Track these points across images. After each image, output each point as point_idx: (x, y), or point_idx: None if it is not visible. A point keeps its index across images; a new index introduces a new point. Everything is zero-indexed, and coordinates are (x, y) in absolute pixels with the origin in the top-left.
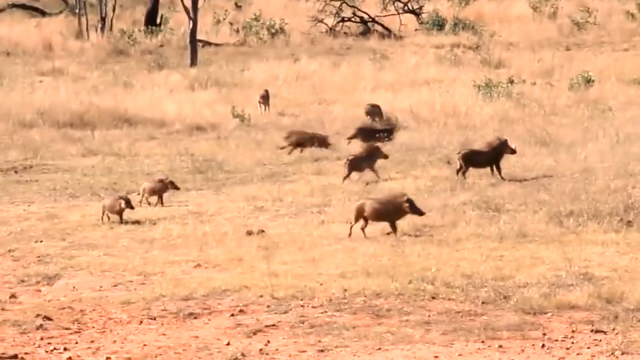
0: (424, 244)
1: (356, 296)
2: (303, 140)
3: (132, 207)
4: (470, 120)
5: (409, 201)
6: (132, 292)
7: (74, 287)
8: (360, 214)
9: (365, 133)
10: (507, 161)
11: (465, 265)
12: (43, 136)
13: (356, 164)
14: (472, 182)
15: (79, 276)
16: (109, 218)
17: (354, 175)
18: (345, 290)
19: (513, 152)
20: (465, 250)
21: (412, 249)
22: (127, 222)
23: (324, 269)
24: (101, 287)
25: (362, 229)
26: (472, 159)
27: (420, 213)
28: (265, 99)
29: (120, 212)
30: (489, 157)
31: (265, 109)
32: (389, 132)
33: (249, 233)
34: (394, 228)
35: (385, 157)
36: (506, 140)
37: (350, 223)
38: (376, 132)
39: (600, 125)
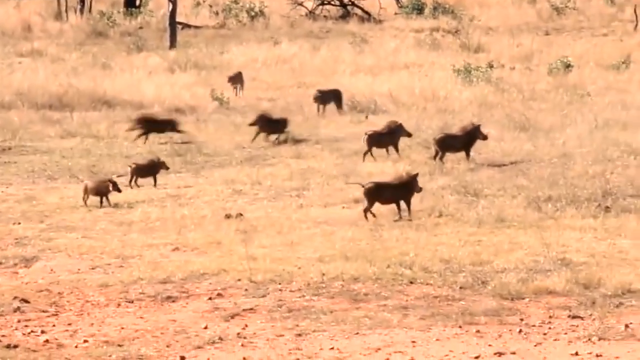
0: (402, 228)
1: (334, 280)
2: (154, 126)
3: (119, 190)
4: (450, 105)
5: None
6: (109, 275)
7: (51, 270)
8: (372, 197)
9: (265, 121)
10: (485, 146)
11: (444, 250)
12: (22, 118)
13: (376, 140)
14: (451, 166)
15: (57, 259)
16: (85, 201)
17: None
18: (324, 274)
19: (485, 138)
20: (443, 235)
21: (390, 234)
22: (105, 205)
23: (302, 253)
24: (79, 269)
25: (368, 212)
26: (447, 144)
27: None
28: (235, 80)
29: (106, 194)
30: (463, 141)
31: (238, 92)
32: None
33: (228, 216)
34: (409, 208)
35: (409, 134)
36: (479, 125)
37: (364, 208)
38: (276, 121)
39: (578, 111)
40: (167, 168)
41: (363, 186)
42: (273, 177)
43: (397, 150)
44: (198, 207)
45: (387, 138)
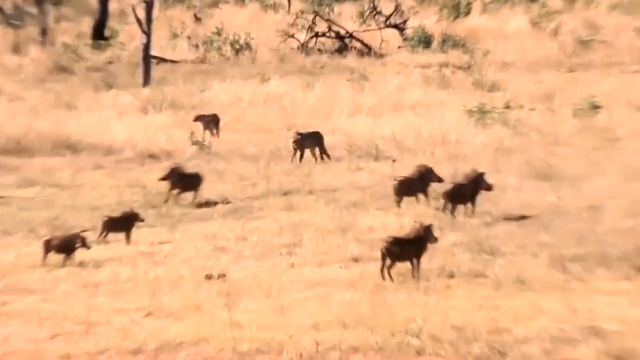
0: (408, 290)
1: (330, 351)
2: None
3: (88, 247)
4: (461, 150)
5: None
6: (73, 345)
7: (6, 339)
8: (387, 254)
9: (177, 175)
10: (502, 197)
11: (456, 315)
12: None
13: (407, 188)
14: (463, 220)
15: (12, 326)
16: (44, 259)
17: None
18: (318, 344)
19: (488, 188)
20: (455, 299)
21: (395, 297)
22: (69, 264)
23: (293, 319)
24: (37, 338)
25: (387, 270)
26: (458, 195)
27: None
28: (209, 123)
29: (72, 251)
30: (471, 191)
31: (212, 136)
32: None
33: (208, 277)
34: (418, 267)
35: (440, 180)
36: (483, 173)
37: (380, 265)
38: (190, 176)
39: (608, 157)
40: (142, 220)
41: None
42: (260, 231)
43: (426, 197)
44: (174, 266)
45: (418, 184)
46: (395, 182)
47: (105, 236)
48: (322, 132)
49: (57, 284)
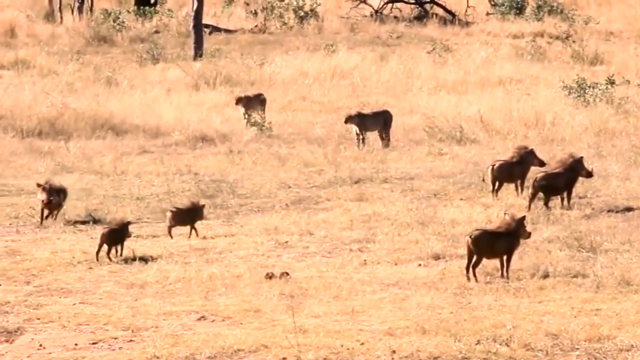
0: (496, 293)
1: (408, 359)
2: None
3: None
4: (558, 132)
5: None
6: (116, 352)
7: (40, 345)
8: (473, 250)
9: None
10: (606, 186)
11: (551, 321)
12: (2, 148)
13: (507, 172)
14: (560, 213)
15: (48, 331)
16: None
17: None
18: (394, 351)
19: (588, 175)
20: (550, 302)
21: (481, 300)
22: (115, 260)
23: (365, 324)
24: (76, 345)
25: (472, 269)
26: (551, 185)
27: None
28: (253, 104)
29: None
30: (566, 179)
31: (253, 118)
32: None
33: (269, 276)
34: (508, 266)
35: (542, 163)
36: (581, 158)
37: (467, 260)
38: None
39: None
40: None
41: (468, 238)
42: (328, 225)
43: (522, 185)
44: (231, 264)
45: (518, 169)
46: (492, 166)
47: (171, 229)
48: (396, 112)
49: (98, 284)
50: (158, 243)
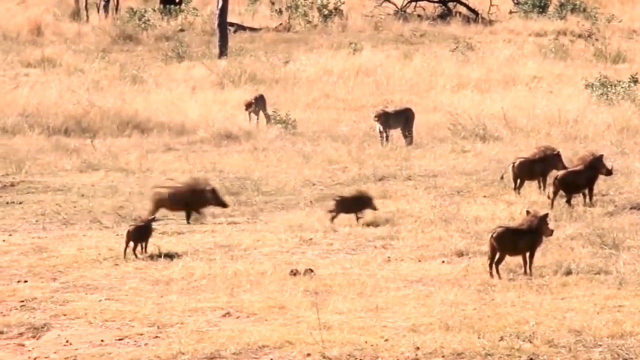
0: (519, 289)
1: (431, 356)
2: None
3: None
4: (581, 130)
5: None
6: (142, 348)
7: (67, 341)
8: (496, 247)
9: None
10: (629, 183)
11: (574, 317)
12: (29, 145)
13: (527, 170)
14: (583, 209)
15: (74, 327)
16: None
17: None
18: (418, 348)
19: (609, 172)
20: (573, 299)
21: (504, 296)
22: (141, 257)
23: (390, 320)
24: (102, 341)
25: (495, 266)
26: (571, 182)
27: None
28: (252, 104)
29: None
30: (587, 177)
31: (257, 119)
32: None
33: (294, 273)
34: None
35: (564, 167)
36: (601, 156)
37: (488, 259)
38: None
39: None
40: (374, 208)
41: (491, 235)
42: (352, 222)
43: (544, 182)
44: (255, 260)
45: (539, 166)
46: (513, 164)
47: (334, 218)
48: (419, 110)
49: (124, 281)
50: (183, 240)
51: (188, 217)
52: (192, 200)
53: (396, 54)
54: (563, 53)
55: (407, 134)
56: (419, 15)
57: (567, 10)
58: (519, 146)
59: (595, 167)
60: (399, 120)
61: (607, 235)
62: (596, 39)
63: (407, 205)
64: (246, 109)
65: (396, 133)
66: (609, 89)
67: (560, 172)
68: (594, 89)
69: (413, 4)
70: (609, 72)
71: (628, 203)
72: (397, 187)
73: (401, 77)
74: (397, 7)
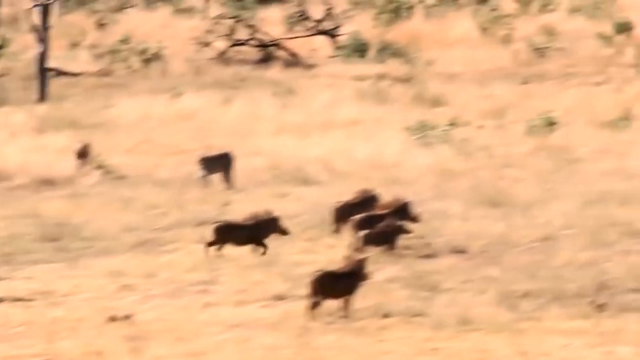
0: (338, 332)
1: None
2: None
3: None
4: (401, 174)
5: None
6: None
7: None
8: (317, 289)
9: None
10: (446, 226)
11: None
12: None
13: (347, 214)
14: (401, 253)
15: None
16: None
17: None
18: None
19: (415, 219)
20: (391, 342)
21: (323, 340)
22: None
23: None
24: None
25: (314, 309)
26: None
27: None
28: (86, 154)
29: None
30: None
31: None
32: None
33: (112, 319)
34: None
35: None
36: (407, 202)
37: (310, 301)
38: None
39: (566, 180)
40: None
41: (311, 279)
42: (172, 267)
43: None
44: (74, 307)
45: (359, 211)
46: (335, 207)
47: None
48: (239, 154)
49: None
50: (1, 286)
51: None
52: None
53: (217, 99)
54: (382, 97)
55: (226, 178)
56: (240, 60)
57: (386, 55)
58: (339, 190)
59: (401, 213)
60: (218, 164)
61: (424, 278)
62: (415, 83)
63: (227, 249)
64: (78, 158)
65: (217, 178)
66: (428, 133)
67: (358, 216)
68: (413, 132)
69: (234, 48)
70: (427, 116)
71: (446, 246)
72: None
73: (222, 121)
74: (218, 51)
